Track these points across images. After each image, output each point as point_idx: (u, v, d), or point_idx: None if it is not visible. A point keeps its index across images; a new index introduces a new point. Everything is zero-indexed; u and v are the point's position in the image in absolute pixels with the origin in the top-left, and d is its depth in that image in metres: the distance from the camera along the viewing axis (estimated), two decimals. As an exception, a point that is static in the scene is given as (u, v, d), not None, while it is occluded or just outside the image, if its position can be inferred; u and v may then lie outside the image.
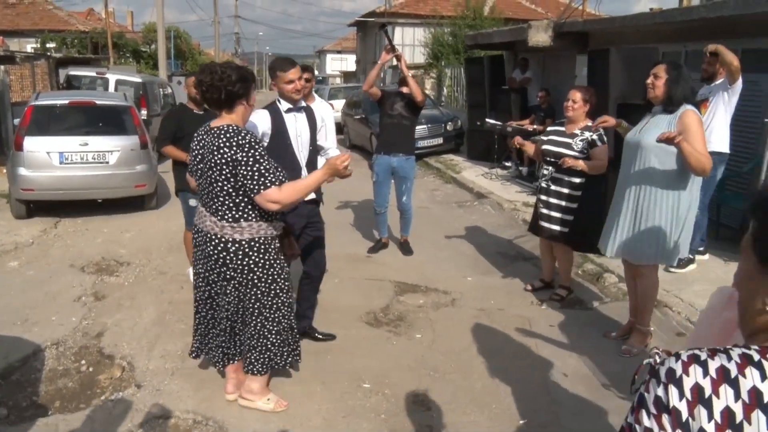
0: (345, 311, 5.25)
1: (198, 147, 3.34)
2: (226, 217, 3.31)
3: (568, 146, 5.15)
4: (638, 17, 9.29)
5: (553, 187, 5.28)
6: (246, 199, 3.28)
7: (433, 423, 3.68)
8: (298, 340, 3.79)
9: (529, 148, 5.51)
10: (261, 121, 4.11)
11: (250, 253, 3.36)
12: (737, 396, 1.01)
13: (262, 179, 3.17)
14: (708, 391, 1.02)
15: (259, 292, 3.45)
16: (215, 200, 3.31)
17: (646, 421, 1.07)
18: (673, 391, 1.04)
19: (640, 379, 1.15)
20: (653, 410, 1.06)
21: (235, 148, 3.17)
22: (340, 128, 18.18)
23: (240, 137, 3.20)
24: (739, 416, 1.00)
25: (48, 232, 7.85)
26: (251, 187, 3.19)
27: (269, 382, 3.85)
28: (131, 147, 8.60)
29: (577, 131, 5.15)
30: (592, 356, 4.47)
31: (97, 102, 9.07)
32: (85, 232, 7.88)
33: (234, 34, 59.56)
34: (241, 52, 67.94)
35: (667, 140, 3.78)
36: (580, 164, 5.03)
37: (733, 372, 1.03)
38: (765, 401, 1.00)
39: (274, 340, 3.59)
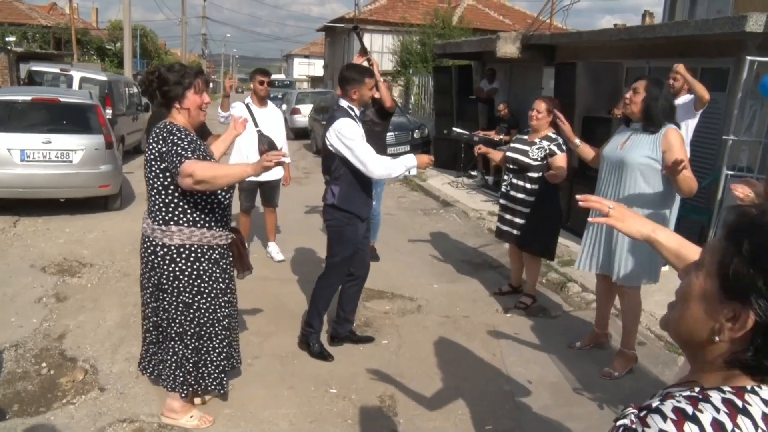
0: (312, 316, 5.25)
1: None
2: (157, 219, 3.22)
3: (525, 153, 5.34)
4: (604, 33, 9.51)
5: (511, 193, 5.51)
6: (176, 201, 3.18)
7: (398, 428, 3.71)
8: (226, 366, 3.54)
9: (496, 155, 5.66)
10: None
11: (178, 259, 3.23)
12: None
13: (179, 157, 3.03)
14: None
15: (181, 302, 3.29)
16: (149, 200, 3.27)
17: None
18: None
19: None
20: None
21: (161, 143, 3.11)
22: (307, 133, 18.16)
23: (165, 131, 3.15)
24: None
25: (6, 231, 7.67)
26: (172, 170, 3.07)
27: (193, 399, 3.70)
28: (96, 146, 8.46)
29: (537, 140, 5.33)
30: (556, 364, 4.55)
31: (62, 99, 8.90)
32: (47, 232, 7.72)
33: (201, 35, 58.88)
34: (208, 53, 67.27)
35: (673, 169, 3.70)
36: (548, 175, 5.22)
37: (728, 425, 0.94)
38: None
39: (190, 357, 3.40)
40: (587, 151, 4.63)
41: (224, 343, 3.50)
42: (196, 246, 3.26)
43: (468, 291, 6.08)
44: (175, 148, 3.07)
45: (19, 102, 8.52)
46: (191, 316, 3.34)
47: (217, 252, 3.36)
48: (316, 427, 3.67)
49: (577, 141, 4.69)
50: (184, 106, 3.26)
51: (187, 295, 3.29)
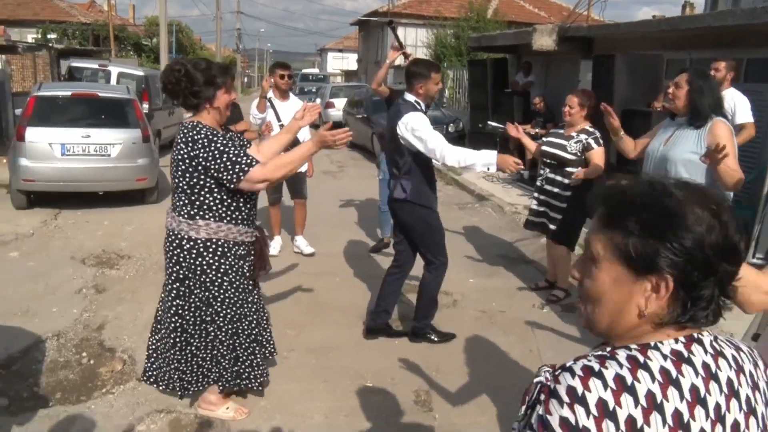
0: (347, 310, 5.25)
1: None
2: (182, 213, 3.18)
3: (563, 148, 5.29)
4: (643, 24, 9.31)
5: (546, 187, 5.47)
6: (203, 197, 3.14)
7: (434, 423, 3.68)
8: (254, 360, 3.50)
9: (530, 144, 5.62)
10: None
11: (204, 253, 3.18)
12: (636, 402, 1.01)
13: (238, 166, 3.02)
14: (611, 404, 1.00)
15: (210, 297, 3.25)
16: (174, 195, 3.22)
17: None
18: (579, 410, 1.00)
19: (531, 400, 1.10)
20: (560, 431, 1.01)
21: (191, 145, 3.04)
22: (341, 127, 18.17)
23: (195, 132, 3.06)
24: (640, 421, 1.00)
25: (48, 224, 7.82)
26: (230, 178, 3.03)
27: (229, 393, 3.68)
28: (133, 140, 8.58)
29: (574, 134, 5.25)
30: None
31: (100, 94, 9.06)
32: (86, 225, 7.86)
33: (235, 30, 59.44)
34: (243, 48, 67.85)
35: (712, 159, 3.57)
36: (580, 176, 5.14)
37: (629, 379, 1.02)
38: (659, 401, 1.01)
39: (225, 353, 3.37)
40: (629, 145, 4.48)
41: (251, 338, 3.46)
42: (222, 241, 3.21)
43: (504, 286, 6.02)
44: (224, 156, 3.02)
45: (59, 97, 8.69)
46: (220, 310, 3.29)
47: (242, 248, 3.32)
48: (351, 421, 3.66)
49: (622, 134, 4.50)
50: (215, 106, 3.20)
51: (215, 289, 3.24)
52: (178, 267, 3.23)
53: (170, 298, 3.32)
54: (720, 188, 3.82)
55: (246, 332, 3.44)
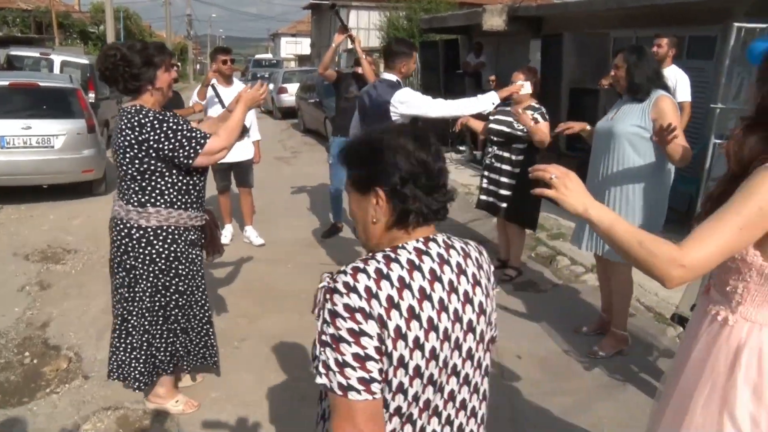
0: (298, 297, 5.19)
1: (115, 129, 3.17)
2: (132, 201, 3.10)
3: (509, 125, 5.34)
4: (591, 2, 9.38)
5: (495, 164, 5.49)
6: (154, 182, 3.08)
7: (387, 408, 3.67)
8: (209, 341, 3.54)
9: (476, 124, 5.59)
10: None
11: (155, 242, 3.14)
12: (392, 285, 1.37)
13: (194, 141, 3.01)
14: (374, 288, 1.35)
15: (160, 285, 3.22)
16: (122, 183, 3.14)
17: (343, 323, 1.34)
18: (353, 296, 1.34)
19: (320, 302, 1.41)
20: (345, 313, 1.34)
21: (138, 129, 2.96)
22: (294, 112, 18.01)
23: (141, 116, 2.98)
24: (396, 298, 1.36)
25: (-10, 219, 7.57)
26: (186, 154, 3.00)
27: (177, 383, 3.67)
28: (78, 131, 8.32)
29: (520, 110, 5.24)
30: (545, 338, 4.53)
31: (41, 84, 8.73)
32: (30, 219, 7.62)
33: (186, 16, 58.23)
34: (194, 34, 66.58)
35: (661, 139, 3.59)
36: (529, 122, 5.10)
37: (384, 269, 1.39)
38: (407, 282, 1.39)
39: (173, 340, 3.38)
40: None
41: (204, 321, 3.48)
42: (173, 227, 3.17)
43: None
44: (178, 134, 2.99)
45: (-4, 88, 8.36)
46: (170, 299, 3.27)
47: (192, 233, 3.29)
48: (303, 408, 3.62)
49: (588, 127, 4.34)
50: (157, 87, 3.12)
51: (165, 278, 3.21)
52: (126, 257, 3.17)
53: (116, 287, 3.28)
54: (670, 163, 3.86)
55: (198, 317, 3.44)
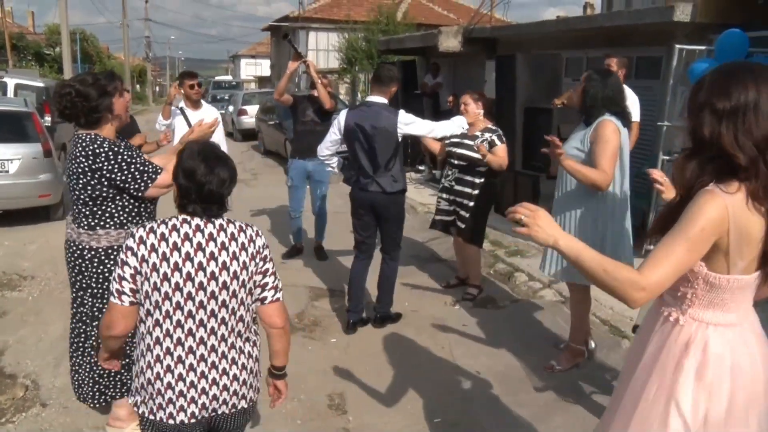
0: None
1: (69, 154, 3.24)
2: (82, 224, 3.19)
3: (470, 148, 5.39)
4: (543, 24, 9.67)
5: (456, 187, 5.55)
6: (104, 207, 3.16)
7: (349, 426, 3.71)
8: None
9: (434, 145, 5.69)
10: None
11: (106, 261, 3.21)
12: (141, 245, 2.18)
13: (146, 175, 3.11)
14: (144, 237, 2.18)
15: None
16: (74, 207, 3.23)
17: (122, 255, 2.21)
18: (130, 239, 2.20)
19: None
20: (125, 249, 2.19)
21: (92, 158, 3.04)
22: (254, 134, 17.99)
23: (96, 145, 3.06)
24: (147, 256, 2.17)
25: (-59, 246, 7.40)
26: (137, 187, 3.11)
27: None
28: (33, 155, 8.21)
29: (478, 133, 5.39)
30: (503, 354, 4.62)
31: (-6, 108, 8.61)
32: (-17, 245, 7.48)
33: (144, 38, 57.74)
34: (153, 56, 66.01)
35: (551, 154, 3.75)
36: (488, 155, 5.23)
37: (145, 236, 2.18)
38: (160, 252, 2.16)
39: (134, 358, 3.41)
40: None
41: None
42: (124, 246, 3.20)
43: (416, 285, 6.12)
44: (132, 167, 3.08)
45: (-52, 112, 8.22)
46: None
47: None
48: (265, 429, 3.64)
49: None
50: (116, 114, 3.21)
51: None
52: (80, 276, 3.24)
53: (74, 306, 3.33)
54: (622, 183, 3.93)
55: None
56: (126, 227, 3.22)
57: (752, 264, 1.86)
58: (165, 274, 2.15)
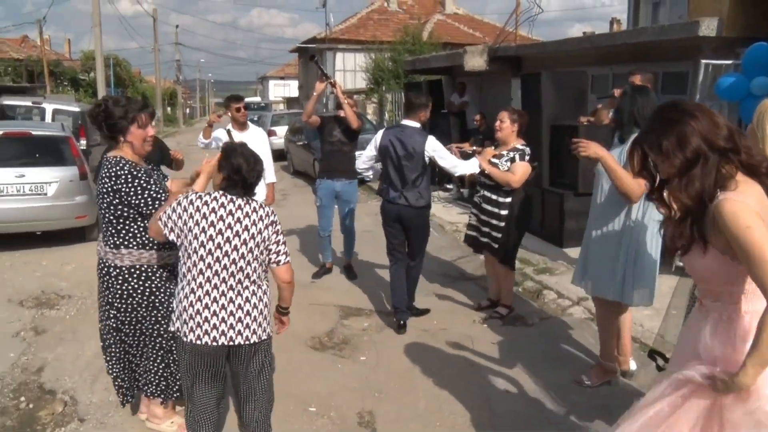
0: (290, 336, 5.26)
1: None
2: (108, 243, 3.42)
3: (495, 167, 5.38)
4: (567, 42, 9.70)
5: (484, 205, 5.56)
6: (127, 227, 3.37)
7: (378, 443, 3.76)
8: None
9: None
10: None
11: (130, 279, 3.42)
12: (193, 206, 2.90)
13: (158, 202, 3.31)
14: (192, 198, 2.94)
15: (139, 315, 3.48)
16: (102, 226, 3.47)
17: (175, 203, 2.96)
18: (182, 198, 2.98)
19: None
20: (180, 200, 2.96)
21: (114, 179, 3.29)
22: (283, 155, 18.22)
23: (118, 167, 3.30)
24: (195, 216, 2.89)
25: (-17, 268, 7.63)
26: (148, 211, 3.31)
27: (175, 406, 3.84)
28: (70, 178, 8.46)
29: (505, 152, 5.39)
30: (532, 371, 4.62)
31: (34, 132, 8.90)
32: (24, 266, 7.70)
33: (175, 61, 58.85)
34: (183, 79, 67.19)
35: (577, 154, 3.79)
36: (487, 168, 5.29)
37: (202, 195, 2.95)
38: (201, 211, 2.90)
39: (163, 367, 3.59)
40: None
41: None
42: (146, 266, 3.43)
43: (445, 304, 6.15)
44: (146, 192, 3.31)
45: (-11, 138, 8.51)
46: (152, 328, 3.51)
47: (167, 270, 3.51)
48: (296, 446, 3.70)
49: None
50: (128, 140, 3.39)
51: (142, 310, 3.46)
52: (107, 292, 3.47)
53: (102, 319, 3.58)
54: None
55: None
56: (147, 248, 3.42)
57: None
58: (203, 228, 2.86)
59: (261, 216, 2.95)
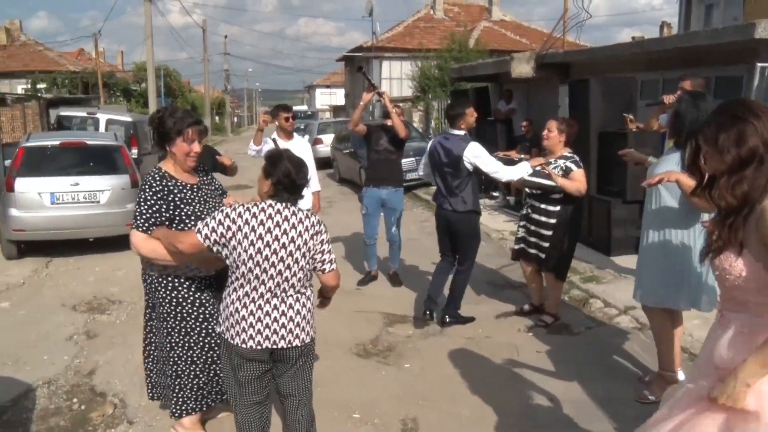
0: (335, 343, 5.31)
1: None
2: None
3: (543, 176, 5.31)
4: (616, 48, 9.54)
5: (533, 216, 5.49)
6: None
7: (421, 451, 3.74)
8: (216, 379, 3.65)
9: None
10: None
11: (158, 287, 3.50)
12: (249, 214, 2.92)
13: (134, 221, 3.36)
14: (241, 212, 2.94)
15: (169, 326, 3.53)
16: None
17: (221, 215, 2.96)
18: (229, 210, 2.98)
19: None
20: (226, 214, 2.96)
21: (141, 186, 3.46)
22: (329, 162, 18.37)
23: (147, 176, 3.46)
24: (251, 221, 2.92)
25: (39, 272, 7.89)
26: (135, 223, 3.37)
27: (203, 418, 3.81)
28: (122, 186, 8.70)
29: (552, 161, 5.34)
30: (578, 381, 4.54)
31: (88, 142, 9.20)
32: (77, 271, 7.93)
33: (223, 71, 59.96)
34: (231, 88, 68.38)
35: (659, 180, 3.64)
36: (559, 180, 5.18)
37: (251, 209, 2.94)
38: (254, 219, 2.92)
39: (187, 381, 3.58)
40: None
41: (209, 362, 3.60)
42: (172, 276, 3.48)
43: (490, 312, 6.09)
44: (138, 207, 3.37)
45: (48, 147, 8.83)
46: (182, 340, 3.53)
47: (197, 282, 3.53)
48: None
49: (652, 159, 4.39)
50: (172, 150, 3.46)
51: (171, 321, 3.52)
52: (147, 296, 3.65)
53: (145, 319, 3.78)
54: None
55: (203, 358, 3.59)
56: None
57: None
58: (252, 241, 2.89)
59: (307, 226, 2.98)
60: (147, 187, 3.39)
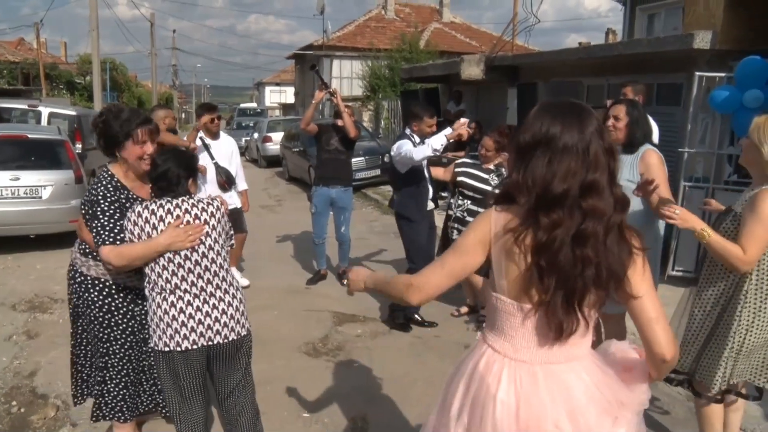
0: (284, 342, 5.30)
1: None
2: (80, 247, 3.29)
3: (485, 182, 5.45)
4: (564, 52, 9.76)
5: (468, 219, 5.51)
6: None
7: (371, 449, 3.76)
8: (137, 397, 3.39)
9: (441, 174, 5.86)
10: None
11: (92, 290, 3.22)
12: (147, 210, 2.89)
13: (98, 237, 2.99)
14: (142, 208, 2.92)
15: (94, 330, 3.25)
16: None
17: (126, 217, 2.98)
18: (130, 210, 2.96)
19: None
20: (130, 215, 2.95)
21: (88, 192, 3.14)
22: (278, 161, 18.25)
23: (96, 182, 3.14)
24: (150, 220, 2.88)
25: (-24, 270, 7.62)
26: (95, 240, 3.01)
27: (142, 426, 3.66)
28: (65, 181, 8.47)
29: (492, 167, 5.49)
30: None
31: (30, 136, 8.92)
32: (17, 269, 7.69)
33: (171, 66, 58.80)
34: (179, 84, 67.17)
35: (644, 192, 3.60)
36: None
37: (149, 204, 2.92)
38: (143, 216, 2.89)
39: (99, 383, 3.32)
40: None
41: (138, 369, 3.36)
42: (110, 282, 3.21)
43: (439, 311, 6.16)
44: (95, 221, 3.01)
45: (-15, 140, 8.52)
46: (108, 349, 3.24)
47: (133, 293, 3.27)
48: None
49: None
50: (122, 155, 3.15)
51: (97, 327, 3.23)
52: (73, 296, 3.32)
53: (71, 320, 3.42)
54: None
55: (135, 368, 3.34)
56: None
57: None
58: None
59: (208, 210, 2.92)
60: (101, 198, 3.04)
